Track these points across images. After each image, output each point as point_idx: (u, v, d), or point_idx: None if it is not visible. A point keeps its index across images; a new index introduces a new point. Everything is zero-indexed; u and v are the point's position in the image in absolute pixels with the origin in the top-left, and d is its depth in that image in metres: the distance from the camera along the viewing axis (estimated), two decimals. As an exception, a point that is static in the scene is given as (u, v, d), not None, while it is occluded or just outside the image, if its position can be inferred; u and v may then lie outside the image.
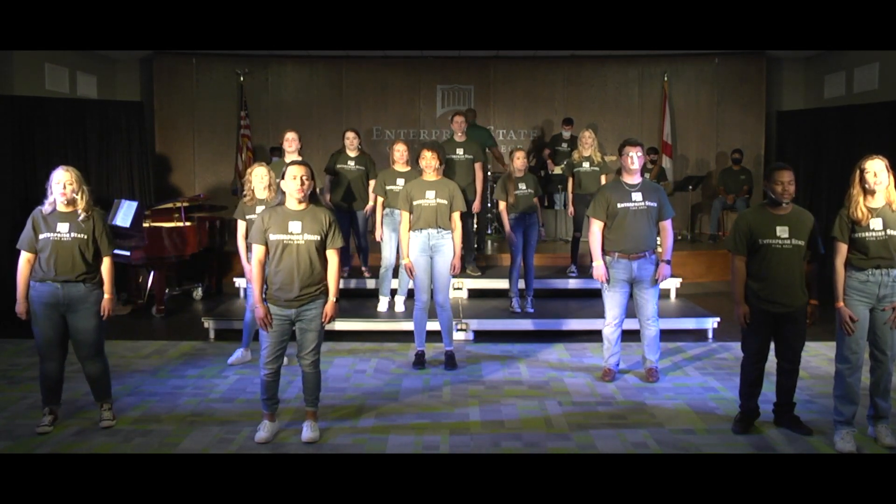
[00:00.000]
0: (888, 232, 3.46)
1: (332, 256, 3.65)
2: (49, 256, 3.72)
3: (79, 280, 3.77)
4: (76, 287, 3.77)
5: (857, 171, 3.52)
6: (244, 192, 4.97)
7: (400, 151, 5.94)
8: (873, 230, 3.48)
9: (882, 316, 3.53)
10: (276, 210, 3.60)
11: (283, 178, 3.58)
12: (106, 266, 3.90)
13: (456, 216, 4.89)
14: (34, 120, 7.58)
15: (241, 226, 4.93)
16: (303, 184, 3.53)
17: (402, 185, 5.83)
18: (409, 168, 5.97)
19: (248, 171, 4.99)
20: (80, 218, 3.78)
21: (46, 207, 3.79)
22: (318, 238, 3.57)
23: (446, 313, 4.96)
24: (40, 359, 3.85)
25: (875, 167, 3.47)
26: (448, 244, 4.87)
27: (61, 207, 3.78)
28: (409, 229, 4.87)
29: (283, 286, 3.55)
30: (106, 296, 3.88)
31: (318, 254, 3.58)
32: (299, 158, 5.88)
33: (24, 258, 3.78)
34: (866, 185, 3.49)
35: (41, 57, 8.13)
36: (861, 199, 3.50)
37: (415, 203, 4.84)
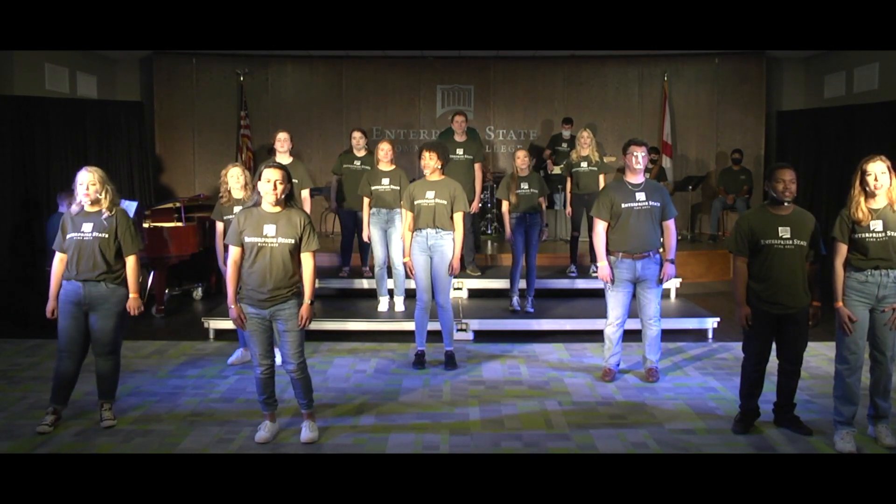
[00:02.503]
0: (889, 233, 3.45)
1: (307, 259, 3.64)
2: (73, 256, 3.81)
3: (99, 279, 3.81)
4: (97, 286, 3.81)
5: (859, 173, 3.51)
6: (220, 194, 4.96)
7: (384, 151, 5.92)
8: (874, 231, 3.47)
9: (882, 317, 3.53)
10: (252, 212, 3.60)
11: (259, 178, 3.58)
12: (130, 265, 3.93)
13: (458, 217, 4.88)
14: (34, 120, 7.58)
15: (220, 226, 4.95)
16: (276, 188, 3.52)
17: (387, 184, 5.85)
18: (393, 167, 5.96)
19: (224, 171, 4.98)
20: (104, 217, 3.84)
21: (75, 208, 3.88)
22: (293, 241, 3.56)
23: (447, 314, 4.96)
24: (58, 355, 3.89)
25: (876, 169, 3.46)
26: (447, 245, 4.87)
27: (88, 208, 3.86)
28: (410, 229, 4.88)
29: (256, 287, 3.55)
30: (131, 295, 3.92)
31: (291, 257, 3.58)
32: (290, 159, 5.89)
33: (58, 258, 3.89)
34: (867, 188, 3.48)
35: (41, 57, 8.13)
36: (862, 199, 3.50)
37: (416, 203, 4.85)
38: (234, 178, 4.87)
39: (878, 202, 3.49)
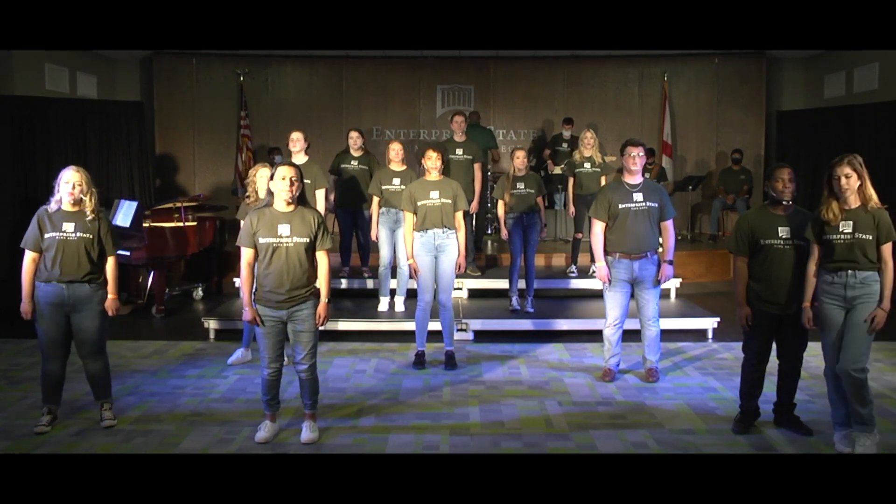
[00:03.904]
0: (857, 235, 3.39)
1: (322, 258, 3.64)
2: (55, 256, 3.73)
3: (84, 280, 3.78)
4: (81, 287, 3.78)
5: (828, 176, 3.47)
6: (247, 193, 4.94)
7: (395, 151, 5.93)
8: (842, 232, 3.41)
9: (851, 320, 3.42)
10: (264, 212, 3.58)
11: (271, 178, 3.57)
12: (110, 266, 3.91)
13: (459, 215, 4.90)
14: (34, 120, 7.58)
15: None
16: (292, 184, 3.51)
17: (397, 184, 5.85)
18: (404, 167, 5.97)
19: (252, 171, 4.94)
20: (88, 218, 3.80)
21: (52, 206, 3.79)
22: (308, 240, 3.56)
23: (448, 313, 4.97)
24: (43, 358, 3.86)
25: (842, 172, 3.40)
26: (453, 243, 4.88)
27: (67, 207, 3.79)
28: (414, 229, 4.87)
29: (274, 288, 3.54)
30: (110, 296, 3.90)
31: (307, 255, 3.57)
32: (305, 159, 5.90)
33: (30, 257, 3.77)
34: (835, 191, 3.44)
35: (41, 57, 8.13)
36: (832, 201, 3.45)
37: (419, 203, 4.84)
38: (264, 178, 4.79)
39: (851, 203, 3.43)
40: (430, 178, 4.89)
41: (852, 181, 3.39)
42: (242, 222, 4.89)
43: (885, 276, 3.40)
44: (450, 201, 4.85)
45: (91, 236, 3.79)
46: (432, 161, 4.84)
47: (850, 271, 3.42)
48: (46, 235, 3.74)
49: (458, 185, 4.97)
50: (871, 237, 3.38)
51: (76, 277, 3.75)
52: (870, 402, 3.44)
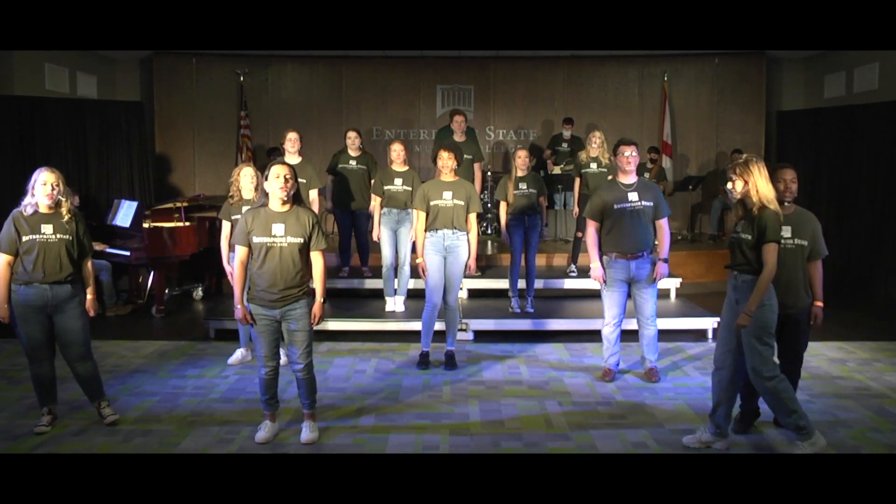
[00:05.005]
0: (740, 234, 3.43)
1: (317, 258, 3.64)
2: (37, 258, 3.69)
3: (66, 281, 3.77)
4: (63, 288, 3.77)
5: None
6: (230, 193, 4.94)
7: (397, 151, 5.94)
8: (735, 231, 3.47)
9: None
10: (259, 212, 3.58)
11: (266, 178, 3.57)
12: (89, 266, 3.93)
13: (472, 217, 4.90)
14: (34, 120, 7.59)
15: (227, 226, 4.90)
16: (286, 182, 3.51)
17: (399, 185, 5.85)
18: (406, 168, 5.98)
19: (235, 171, 4.94)
20: (64, 220, 3.78)
21: (28, 209, 3.75)
22: (302, 240, 3.56)
23: (455, 313, 4.98)
24: (30, 361, 3.85)
25: (728, 177, 3.44)
26: (463, 245, 4.87)
27: (43, 209, 3.75)
28: (425, 229, 4.87)
29: (267, 288, 3.54)
30: (89, 296, 3.91)
31: (301, 256, 3.57)
32: (299, 159, 5.91)
33: (4, 260, 3.70)
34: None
35: (41, 57, 8.13)
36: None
37: (431, 203, 4.83)
38: (248, 177, 4.82)
39: (749, 204, 3.42)
40: (445, 178, 4.89)
41: (736, 185, 3.41)
42: (224, 221, 4.91)
43: (760, 277, 3.34)
44: (462, 203, 4.84)
45: (70, 237, 3.78)
46: (443, 161, 4.84)
47: (733, 271, 3.46)
48: (25, 238, 3.70)
49: (472, 187, 4.97)
50: (749, 237, 3.37)
51: (59, 278, 3.74)
52: (793, 412, 3.39)
